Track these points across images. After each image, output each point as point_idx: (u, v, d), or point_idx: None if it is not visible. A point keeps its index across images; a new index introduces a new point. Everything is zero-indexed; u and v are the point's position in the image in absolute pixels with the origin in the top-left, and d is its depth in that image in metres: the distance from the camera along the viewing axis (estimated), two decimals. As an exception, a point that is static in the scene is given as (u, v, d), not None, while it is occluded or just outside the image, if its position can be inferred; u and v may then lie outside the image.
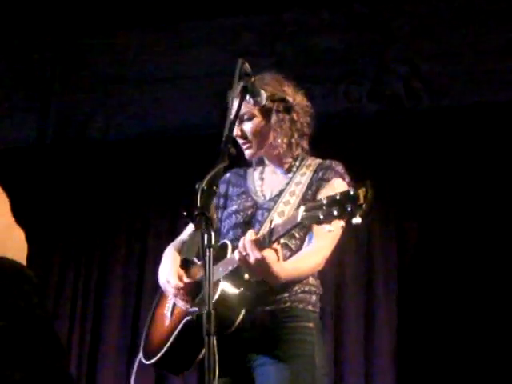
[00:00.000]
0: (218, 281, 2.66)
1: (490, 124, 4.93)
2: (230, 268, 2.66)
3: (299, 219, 2.41)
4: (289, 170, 2.96)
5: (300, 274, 2.80)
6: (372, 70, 5.19)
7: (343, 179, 2.88)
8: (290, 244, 2.82)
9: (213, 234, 2.18)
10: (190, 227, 3.07)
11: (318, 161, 2.94)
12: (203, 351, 2.67)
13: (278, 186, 2.93)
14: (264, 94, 2.74)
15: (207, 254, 2.16)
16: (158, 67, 5.49)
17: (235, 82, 2.57)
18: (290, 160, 2.96)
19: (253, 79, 2.68)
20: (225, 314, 2.64)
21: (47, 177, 5.51)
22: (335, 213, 2.25)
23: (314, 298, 2.87)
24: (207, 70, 5.34)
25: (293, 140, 2.91)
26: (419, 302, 4.75)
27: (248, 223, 2.86)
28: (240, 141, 2.92)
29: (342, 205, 2.24)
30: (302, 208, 2.42)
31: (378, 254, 4.98)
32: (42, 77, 5.61)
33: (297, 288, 2.82)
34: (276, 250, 2.61)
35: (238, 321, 2.67)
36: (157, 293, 3.14)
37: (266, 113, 2.89)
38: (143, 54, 5.52)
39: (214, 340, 2.15)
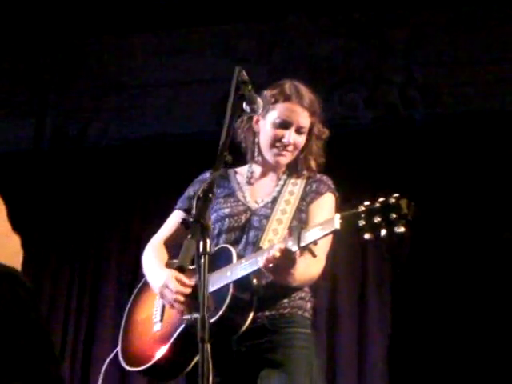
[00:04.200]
0: (228, 285, 2.68)
1: (484, 132, 4.96)
2: (243, 273, 2.67)
3: (338, 226, 2.41)
4: (278, 178, 3.02)
5: (308, 279, 2.84)
6: (368, 77, 5.20)
7: (334, 194, 2.97)
8: None
9: (208, 241, 2.20)
10: (167, 225, 3.11)
11: (307, 173, 3.01)
12: (196, 359, 2.72)
13: (269, 193, 2.98)
14: (261, 102, 2.75)
15: (202, 261, 2.17)
16: (155, 73, 5.49)
17: (232, 90, 2.58)
18: (283, 169, 3.03)
19: (250, 87, 2.68)
20: (233, 318, 2.68)
21: (44, 182, 5.51)
22: (377, 220, 2.30)
23: (309, 305, 2.91)
24: (205, 76, 5.35)
25: (313, 162, 3.00)
26: (412, 313, 4.78)
27: (242, 228, 2.89)
28: (284, 148, 2.93)
29: (383, 213, 2.29)
30: (337, 216, 2.43)
31: (371, 264, 5.01)
32: (39, 82, 5.62)
33: (295, 294, 2.86)
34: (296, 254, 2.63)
35: (246, 325, 2.68)
36: (133, 294, 3.12)
37: (309, 132, 2.98)
38: (141, 61, 5.53)
39: (208, 347, 2.15)
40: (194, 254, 2.20)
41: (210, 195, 2.32)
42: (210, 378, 2.17)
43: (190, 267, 2.86)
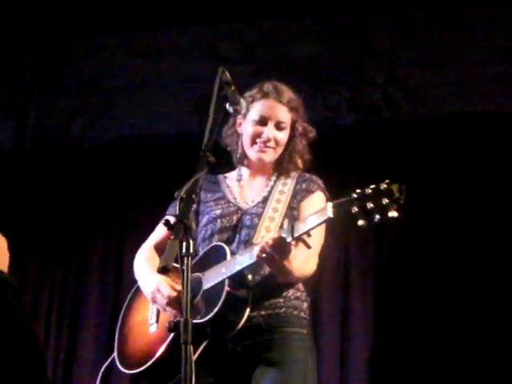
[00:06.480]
0: (223, 282, 2.67)
1: (467, 133, 4.99)
2: (238, 268, 2.65)
3: (331, 215, 2.41)
4: (268, 179, 3.02)
5: (305, 275, 2.82)
6: (351, 79, 5.22)
7: (324, 193, 2.97)
8: None
9: (191, 242, 2.19)
10: (158, 231, 3.08)
11: (297, 173, 3.01)
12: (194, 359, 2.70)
13: (259, 193, 2.98)
14: (243, 103, 2.75)
15: (185, 262, 2.17)
16: (137, 74, 5.48)
17: (215, 90, 2.58)
18: (272, 170, 3.03)
19: (232, 87, 2.68)
20: (229, 315, 2.66)
21: (25, 182, 5.49)
22: (369, 206, 2.29)
23: (305, 304, 2.90)
24: (187, 76, 5.35)
25: (299, 160, 3.02)
26: (396, 302, 4.82)
27: (234, 227, 2.88)
28: (264, 144, 2.94)
29: (375, 199, 2.28)
30: (330, 204, 2.42)
31: (354, 251, 5.04)
32: (21, 82, 5.59)
33: (291, 294, 2.85)
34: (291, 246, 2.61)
35: (242, 322, 2.67)
36: (127, 300, 3.09)
37: (292, 129, 3.00)
38: (123, 60, 5.52)
39: (191, 349, 2.14)
40: (177, 255, 2.19)
41: (193, 196, 2.31)
42: (193, 380, 2.15)
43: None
